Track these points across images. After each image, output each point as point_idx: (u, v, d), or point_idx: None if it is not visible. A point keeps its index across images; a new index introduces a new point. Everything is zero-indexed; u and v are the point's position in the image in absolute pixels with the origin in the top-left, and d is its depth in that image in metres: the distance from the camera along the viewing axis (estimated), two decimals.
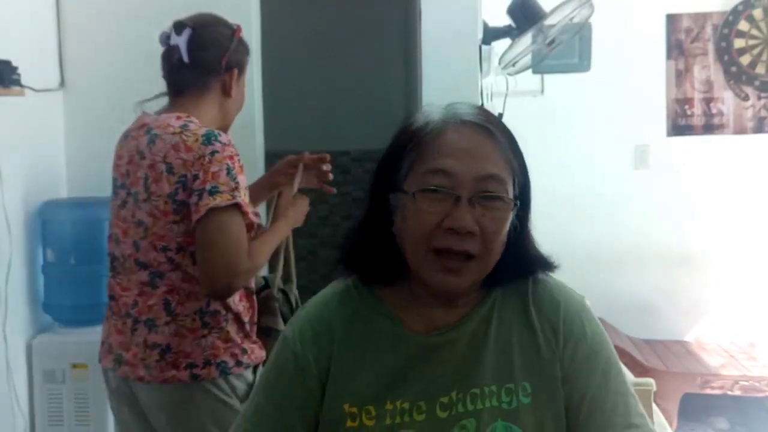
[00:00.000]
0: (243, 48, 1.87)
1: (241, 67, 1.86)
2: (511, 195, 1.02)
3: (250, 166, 2.30)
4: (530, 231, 1.09)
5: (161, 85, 2.69)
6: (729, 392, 3.64)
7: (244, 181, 1.71)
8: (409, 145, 1.03)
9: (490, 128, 1.03)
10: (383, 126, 1.24)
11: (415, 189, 1.00)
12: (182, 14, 2.72)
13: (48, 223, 2.58)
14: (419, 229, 1.00)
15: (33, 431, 2.55)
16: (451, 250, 0.99)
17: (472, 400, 1.02)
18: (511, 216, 1.02)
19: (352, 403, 1.03)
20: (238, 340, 1.76)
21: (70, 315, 2.59)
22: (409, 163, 1.02)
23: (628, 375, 3.13)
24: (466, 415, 1.01)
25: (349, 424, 1.02)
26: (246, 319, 1.79)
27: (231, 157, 1.68)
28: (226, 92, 1.83)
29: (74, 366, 2.52)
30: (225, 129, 1.83)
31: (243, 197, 1.67)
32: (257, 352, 1.80)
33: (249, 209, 1.70)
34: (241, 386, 1.75)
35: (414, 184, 1.01)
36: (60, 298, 2.58)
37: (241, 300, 1.79)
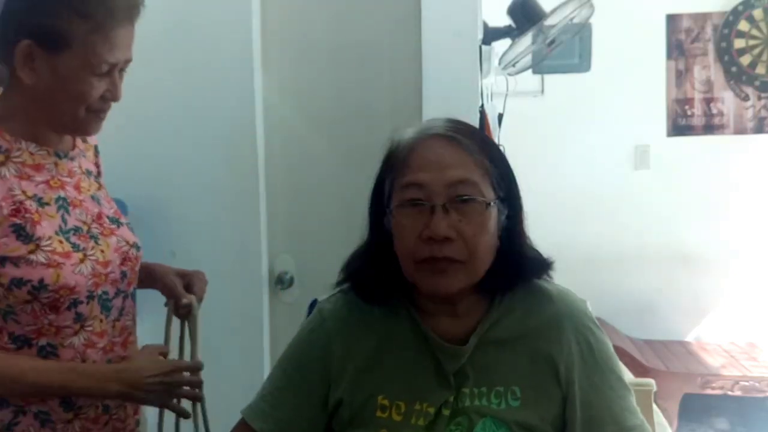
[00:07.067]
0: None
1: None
2: (489, 196, 1.04)
3: (250, 171, 2.23)
4: (524, 232, 1.11)
5: (160, 84, 2.70)
6: (729, 392, 3.64)
7: None
8: (387, 168, 1.09)
9: (456, 136, 1.05)
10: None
11: (394, 206, 1.05)
12: (181, 14, 2.73)
13: None
14: (404, 242, 1.05)
15: None
16: (434, 258, 1.02)
17: (462, 399, 1.06)
18: (492, 217, 1.04)
19: (385, 396, 1.07)
20: None
21: None
22: (390, 184, 1.08)
23: (628, 375, 3.13)
24: (460, 412, 1.05)
25: (378, 414, 1.07)
26: None
27: None
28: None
29: None
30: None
31: None
32: None
33: None
34: None
35: (394, 202, 1.06)
36: None
37: None
